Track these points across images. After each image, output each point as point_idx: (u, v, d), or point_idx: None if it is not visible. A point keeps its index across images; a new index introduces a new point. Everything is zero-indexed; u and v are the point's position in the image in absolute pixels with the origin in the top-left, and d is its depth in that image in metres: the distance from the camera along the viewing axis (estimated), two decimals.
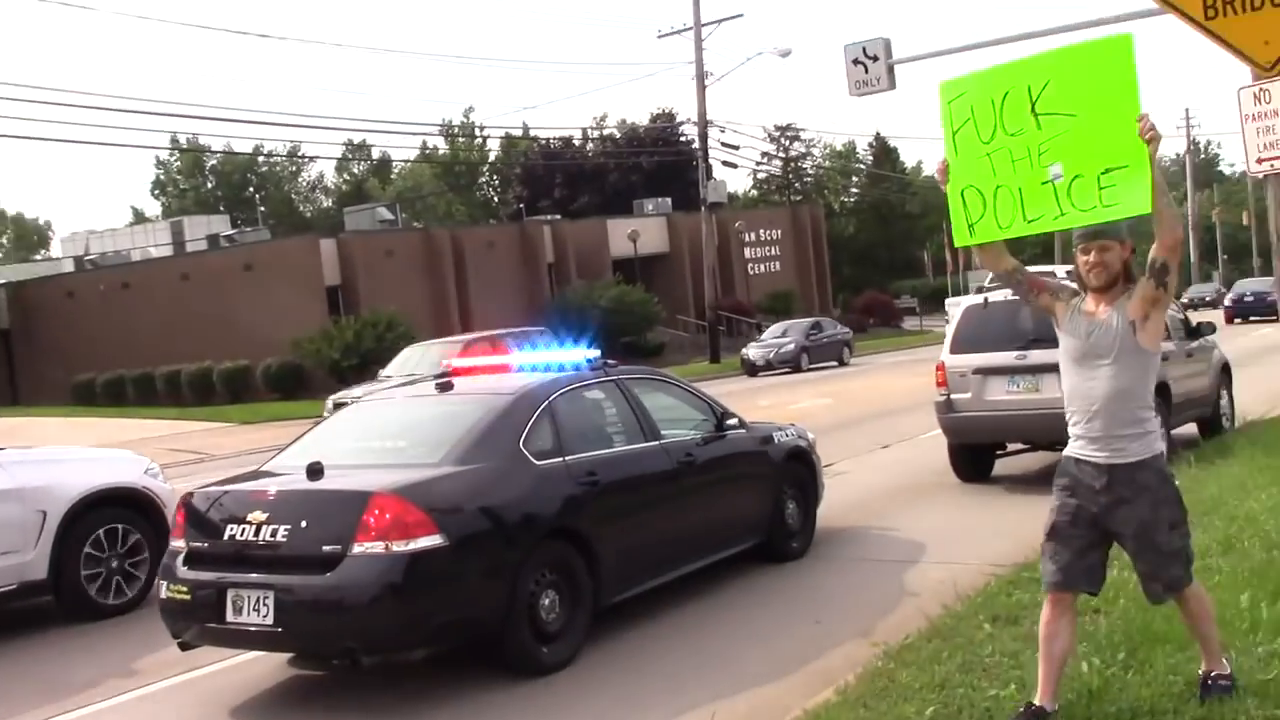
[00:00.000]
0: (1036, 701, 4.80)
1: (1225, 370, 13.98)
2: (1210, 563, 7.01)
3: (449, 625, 6.48)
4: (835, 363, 39.08)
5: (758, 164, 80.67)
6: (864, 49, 24.62)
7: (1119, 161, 4.53)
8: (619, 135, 75.63)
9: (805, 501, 9.51)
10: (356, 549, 6.23)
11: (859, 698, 5.47)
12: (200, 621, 6.65)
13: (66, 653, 8.41)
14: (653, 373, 9.36)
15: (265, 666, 7.41)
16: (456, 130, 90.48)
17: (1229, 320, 42.58)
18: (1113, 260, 4.78)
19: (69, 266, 57.53)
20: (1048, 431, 11.72)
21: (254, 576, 6.43)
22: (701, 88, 43.80)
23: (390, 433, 7.70)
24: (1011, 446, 12.58)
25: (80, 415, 34.16)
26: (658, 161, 65.03)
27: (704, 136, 44.59)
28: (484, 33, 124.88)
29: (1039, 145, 4.75)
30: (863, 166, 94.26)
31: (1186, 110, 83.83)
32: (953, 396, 11.93)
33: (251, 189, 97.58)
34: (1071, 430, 4.93)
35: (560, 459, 7.24)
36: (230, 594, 6.47)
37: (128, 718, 6.93)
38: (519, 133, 74.90)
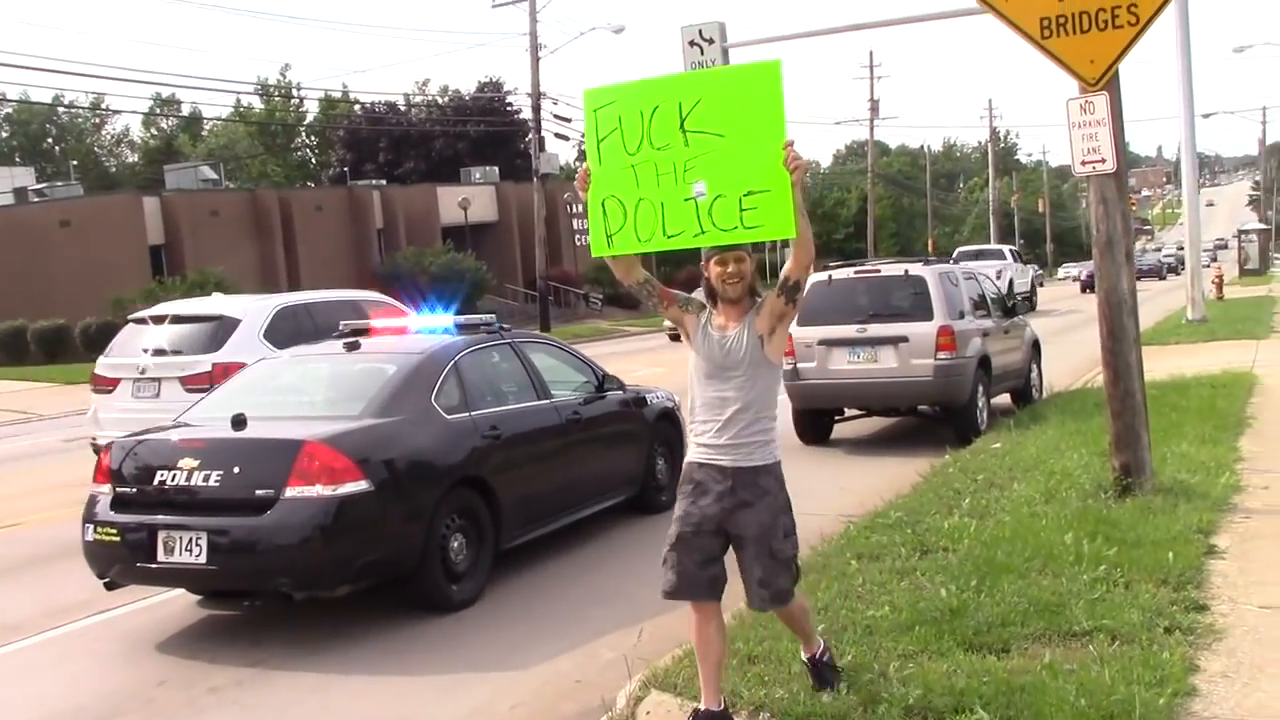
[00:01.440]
0: (703, 706, 4.90)
1: (1035, 346, 15.43)
2: (1036, 509, 8.08)
3: (372, 564, 7.03)
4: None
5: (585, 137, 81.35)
6: (700, 31, 25.58)
7: (762, 185, 4.57)
8: (445, 102, 75.18)
9: (673, 458, 10.28)
10: (289, 493, 6.73)
11: (754, 621, 6.25)
12: (130, 562, 7.02)
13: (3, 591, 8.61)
14: (542, 337, 10.03)
15: (178, 606, 7.81)
16: (273, 89, 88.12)
17: (1083, 291, 51.58)
18: (748, 270, 4.82)
19: None
20: (884, 398, 12.94)
21: (186, 519, 6.85)
22: (535, 60, 44.18)
23: (305, 388, 8.16)
24: (849, 412, 13.66)
25: None
26: (485, 130, 65.02)
27: (537, 109, 44.99)
28: None
29: (685, 162, 4.73)
30: None
31: (990, 101, 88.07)
32: (799, 365, 12.90)
33: (50, 140, 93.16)
34: (697, 440, 4.96)
35: (467, 414, 7.84)
36: (161, 535, 6.86)
37: (50, 654, 7.24)
38: (339, 94, 73.90)
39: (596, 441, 9.15)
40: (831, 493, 10.68)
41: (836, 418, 13.69)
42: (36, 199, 46.04)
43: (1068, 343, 23.50)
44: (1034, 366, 15.25)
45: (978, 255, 40.78)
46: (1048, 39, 8.06)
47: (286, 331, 11.76)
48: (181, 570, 6.89)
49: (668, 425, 10.30)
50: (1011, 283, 35.50)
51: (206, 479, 6.87)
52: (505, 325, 9.00)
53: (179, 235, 38.73)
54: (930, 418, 13.30)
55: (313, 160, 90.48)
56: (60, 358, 35.28)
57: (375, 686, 6.33)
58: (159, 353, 11.95)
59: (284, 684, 6.42)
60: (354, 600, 7.39)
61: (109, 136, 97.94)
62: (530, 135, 47.66)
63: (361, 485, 6.84)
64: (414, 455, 7.32)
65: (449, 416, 7.68)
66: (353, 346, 8.32)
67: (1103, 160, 7.94)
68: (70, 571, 8.87)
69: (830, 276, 13.25)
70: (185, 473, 6.93)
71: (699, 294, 5.15)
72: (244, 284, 36.77)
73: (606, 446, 9.33)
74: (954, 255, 37.43)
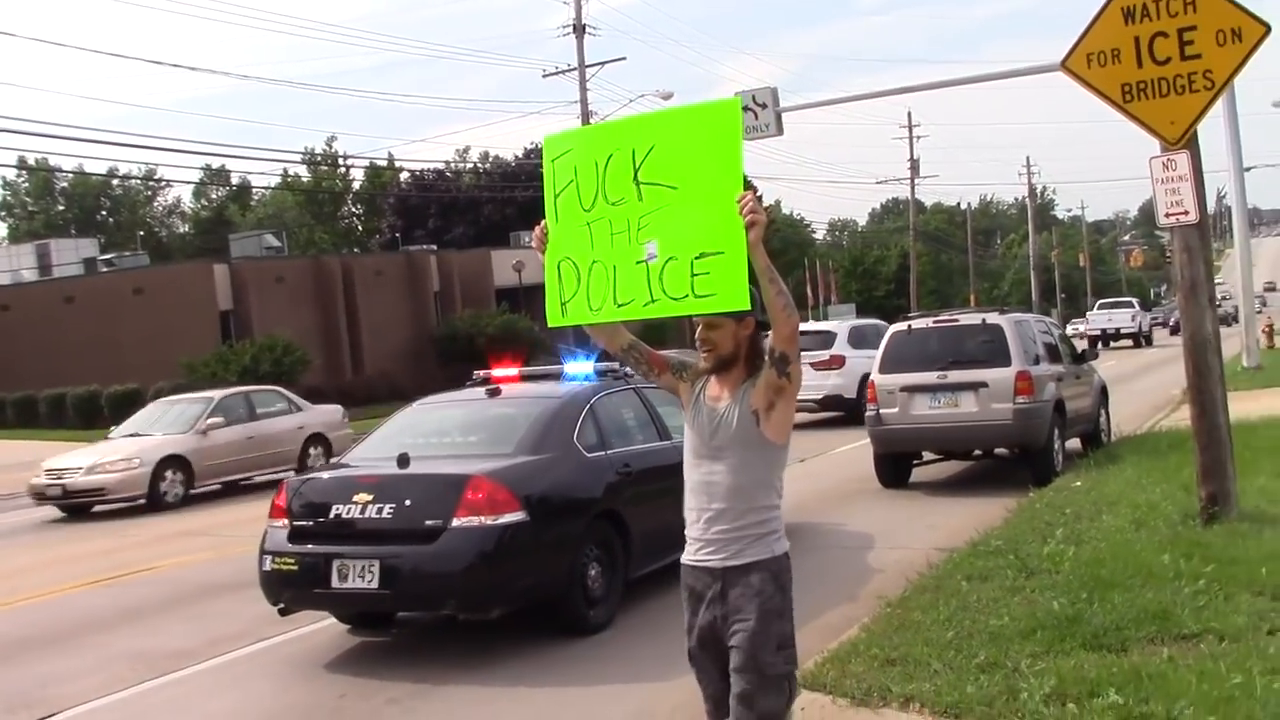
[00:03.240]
0: None
1: (1104, 392, 16.00)
2: (1128, 536, 8.67)
3: (527, 588, 7.73)
4: None
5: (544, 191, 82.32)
6: (754, 97, 26.59)
7: (715, 246, 3.86)
8: (492, 169, 76.78)
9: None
10: (456, 523, 7.44)
11: (883, 633, 6.88)
12: (306, 588, 7.74)
13: (159, 625, 9.38)
14: None
15: (331, 634, 8.53)
16: (320, 158, 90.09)
17: (1172, 334, 55.21)
18: (721, 339, 4.18)
19: None
20: (965, 442, 13.54)
21: (360, 548, 7.56)
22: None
23: (457, 429, 8.91)
24: (927, 456, 14.27)
25: None
26: (533, 195, 66.33)
27: None
28: (357, 64, 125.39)
29: (639, 219, 4.07)
30: None
31: (1028, 158, 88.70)
32: (881, 411, 13.55)
33: (104, 212, 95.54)
34: (689, 534, 4.38)
35: (603, 452, 8.58)
36: (336, 564, 7.57)
37: (227, 675, 7.96)
38: (384, 163, 75.83)
39: None
40: (920, 530, 11.30)
41: (915, 462, 14.29)
42: (105, 269, 47.50)
43: (1129, 390, 24.00)
44: (1103, 411, 15.81)
45: (1114, 305, 56.61)
46: (1129, 103, 8.77)
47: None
48: (355, 595, 7.59)
49: None
50: (1146, 323, 53.28)
51: (380, 511, 7.59)
52: (629, 372, 9.71)
53: (247, 300, 39.88)
54: (1007, 460, 13.88)
55: (359, 227, 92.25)
56: None
57: (538, 696, 6.98)
58: None
59: (455, 696, 7.07)
60: (491, 625, 8.02)
61: (161, 207, 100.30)
62: None
63: (519, 516, 7.54)
64: (562, 489, 8.05)
65: (589, 454, 8.41)
66: (494, 393, 9.07)
67: (1186, 212, 8.62)
68: (218, 606, 9.73)
69: (910, 326, 13.94)
70: (359, 506, 7.65)
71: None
72: (309, 346, 37.84)
73: None
74: (1096, 305, 58.17)
